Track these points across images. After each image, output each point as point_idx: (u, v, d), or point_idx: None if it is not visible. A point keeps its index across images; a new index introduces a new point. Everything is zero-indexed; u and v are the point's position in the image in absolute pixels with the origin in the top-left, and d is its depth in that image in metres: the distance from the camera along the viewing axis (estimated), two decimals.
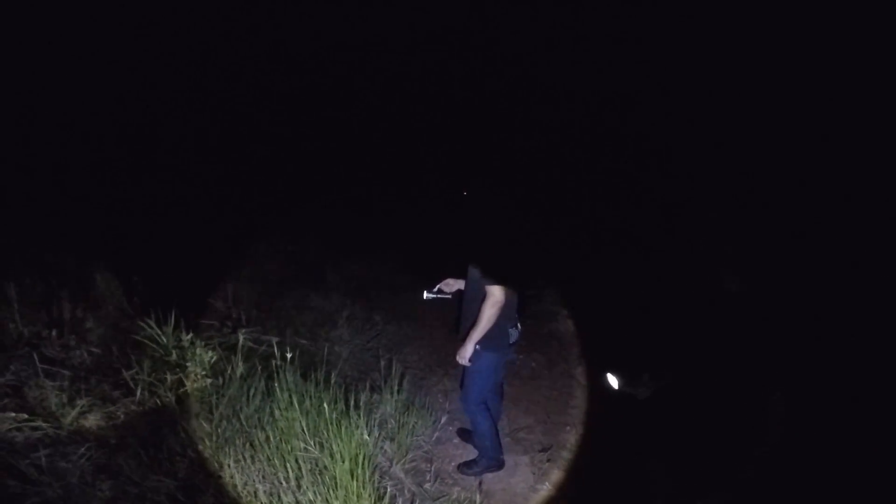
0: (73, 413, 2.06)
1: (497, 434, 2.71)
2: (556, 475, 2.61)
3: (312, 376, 2.79)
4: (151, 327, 2.90)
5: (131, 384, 2.51)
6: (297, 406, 2.60)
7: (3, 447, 1.64)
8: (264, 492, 2.05)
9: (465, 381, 2.65)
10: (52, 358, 2.40)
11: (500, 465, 2.68)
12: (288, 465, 2.27)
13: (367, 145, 6.48)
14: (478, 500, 2.36)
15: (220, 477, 2.04)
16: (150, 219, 4.08)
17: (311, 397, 2.67)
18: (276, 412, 2.58)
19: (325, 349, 3.58)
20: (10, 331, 2.41)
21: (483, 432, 2.63)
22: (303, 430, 2.48)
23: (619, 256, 4.26)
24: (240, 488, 2.02)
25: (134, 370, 2.64)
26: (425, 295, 2.65)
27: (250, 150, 5.63)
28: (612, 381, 2.63)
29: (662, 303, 2.84)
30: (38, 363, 2.30)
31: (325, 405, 2.52)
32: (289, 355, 2.98)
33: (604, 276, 4.12)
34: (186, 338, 3.01)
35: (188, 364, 2.85)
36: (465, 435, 2.97)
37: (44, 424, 1.88)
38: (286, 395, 2.66)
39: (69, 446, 1.76)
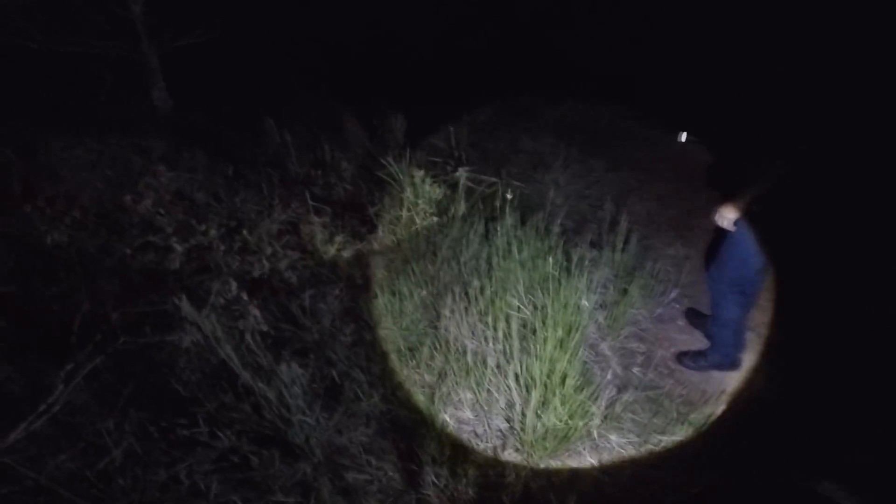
0: (332, 250, 2.52)
1: (743, 327, 2.23)
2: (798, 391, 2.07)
3: (530, 221, 2.67)
4: (391, 164, 3.19)
5: (375, 220, 2.92)
6: (515, 254, 2.57)
7: (284, 287, 2.14)
8: (471, 350, 2.20)
9: (721, 252, 2.11)
10: (319, 196, 2.90)
11: (734, 365, 2.26)
12: (499, 323, 2.25)
13: None
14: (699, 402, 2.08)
15: (435, 328, 2.28)
16: (383, 72, 4.46)
17: (529, 246, 2.59)
18: (494, 259, 2.57)
19: (549, 193, 3.39)
20: (290, 172, 2.95)
21: (726, 321, 2.18)
22: (517, 285, 2.37)
23: None
24: (451, 342, 2.21)
25: (377, 206, 3.05)
26: (684, 137, 2.38)
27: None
28: None
29: None
30: (309, 201, 2.82)
31: (548, 258, 2.35)
32: (509, 196, 2.92)
33: None
34: (418, 174, 3.25)
35: (419, 201, 3.12)
36: (694, 318, 2.55)
37: (310, 262, 2.36)
38: (504, 240, 2.64)
39: (327, 286, 2.19)
